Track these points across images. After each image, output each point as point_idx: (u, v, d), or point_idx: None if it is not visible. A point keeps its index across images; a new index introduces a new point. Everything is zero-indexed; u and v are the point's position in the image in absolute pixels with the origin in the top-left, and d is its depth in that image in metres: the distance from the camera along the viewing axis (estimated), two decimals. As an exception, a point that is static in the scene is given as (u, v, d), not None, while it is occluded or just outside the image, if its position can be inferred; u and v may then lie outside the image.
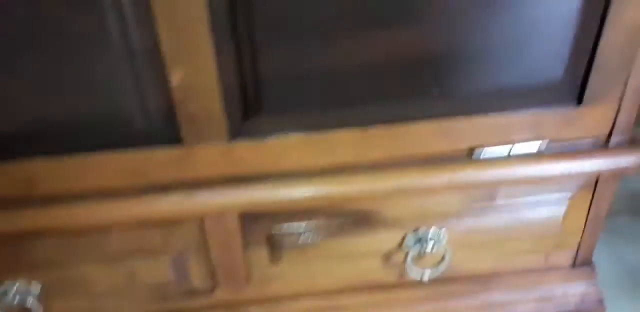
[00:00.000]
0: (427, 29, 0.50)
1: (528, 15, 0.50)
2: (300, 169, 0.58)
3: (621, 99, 0.58)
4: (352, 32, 0.49)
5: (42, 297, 0.61)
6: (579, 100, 0.57)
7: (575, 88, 0.57)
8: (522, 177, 0.61)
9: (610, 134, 0.60)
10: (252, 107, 0.53)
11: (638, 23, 0.52)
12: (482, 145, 0.59)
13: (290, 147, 0.57)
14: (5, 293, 0.60)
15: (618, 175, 0.64)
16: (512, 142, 0.59)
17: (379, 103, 0.55)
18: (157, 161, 0.55)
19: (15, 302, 0.60)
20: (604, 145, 0.61)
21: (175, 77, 0.49)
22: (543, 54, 0.53)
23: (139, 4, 0.45)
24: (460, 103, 0.57)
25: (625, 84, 0.57)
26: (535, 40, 0.52)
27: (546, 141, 0.59)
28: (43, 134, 0.52)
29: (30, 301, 0.60)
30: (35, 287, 0.61)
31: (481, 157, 0.60)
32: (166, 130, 0.53)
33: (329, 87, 0.53)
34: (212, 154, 0.56)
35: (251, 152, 0.56)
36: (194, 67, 0.49)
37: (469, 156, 0.60)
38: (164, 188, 0.56)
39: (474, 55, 0.53)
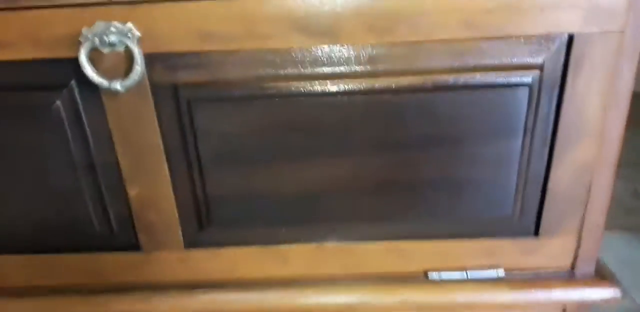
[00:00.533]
0: (373, 160, 0.53)
1: (474, 153, 0.52)
2: (254, 278, 0.60)
3: (581, 232, 0.57)
4: (295, 161, 0.52)
5: None
6: (536, 231, 0.57)
7: (531, 220, 0.57)
8: (479, 303, 0.60)
9: (574, 265, 0.59)
10: (205, 220, 0.56)
11: (585, 161, 0.52)
12: (437, 269, 0.59)
13: (244, 257, 0.59)
14: None
15: (586, 307, 0.61)
16: (468, 269, 0.59)
17: (332, 222, 0.57)
18: (116, 264, 0.58)
19: None
20: (568, 276, 0.60)
21: (132, 191, 0.53)
22: (492, 189, 0.54)
23: (100, 131, 0.51)
24: (414, 226, 0.57)
25: (583, 218, 0.56)
26: (484, 177, 0.53)
27: (501, 270, 0.58)
28: (12, 235, 0.57)
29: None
30: None
31: (438, 279, 0.59)
32: (125, 237, 0.57)
33: (276, 207, 0.55)
34: (169, 260, 0.58)
35: (206, 261, 0.59)
36: (151, 183, 0.53)
37: (424, 278, 0.60)
38: (122, 290, 0.59)
39: (422, 185, 0.54)
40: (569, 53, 0.47)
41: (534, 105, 0.49)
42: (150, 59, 0.47)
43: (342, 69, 0.49)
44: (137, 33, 0.46)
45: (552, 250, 0.58)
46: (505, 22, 0.46)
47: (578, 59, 0.47)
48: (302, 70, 0.49)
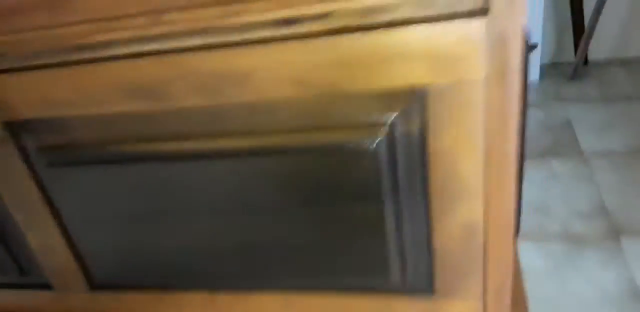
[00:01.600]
0: (235, 219, 0.50)
1: (338, 215, 0.48)
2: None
3: (485, 295, 0.50)
4: (157, 220, 0.52)
5: None
6: (431, 291, 0.51)
7: (422, 280, 0.51)
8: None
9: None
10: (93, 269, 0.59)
11: (472, 222, 0.46)
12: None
13: (142, 303, 0.60)
14: None
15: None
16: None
17: (221, 273, 0.56)
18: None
19: None
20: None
21: (33, 240, 0.57)
22: (366, 249, 0.49)
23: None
24: (305, 281, 0.54)
25: (485, 280, 0.49)
26: (354, 237, 0.49)
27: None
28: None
29: None
30: None
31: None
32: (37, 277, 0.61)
33: (154, 259, 0.56)
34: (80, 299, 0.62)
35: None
36: (45, 234, 0.56)
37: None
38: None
39: (295, 244, 0.51)
40: (424, 109, 0.41)
41: (389, 166, 0.44)
42: (11, 126, 0.49)
43: (183, 130, 0.47)
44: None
45: (455, 312, 0.52)
46: (343, 77, 0.41)
47: (435, 114, 0.41)
48: (146, 133, 0.48)
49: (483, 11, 0.36)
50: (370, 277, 0.52)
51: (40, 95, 0.47)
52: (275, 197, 0.48)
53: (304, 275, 0.54)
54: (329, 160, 0.44)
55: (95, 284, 0.60)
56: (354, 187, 0.45)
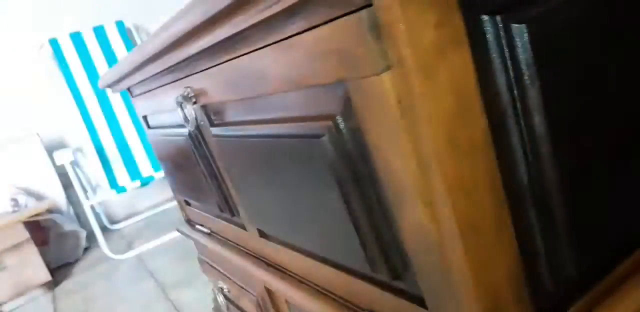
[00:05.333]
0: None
1: (308, 203, 0.50)
2: None
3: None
4: None
5: None
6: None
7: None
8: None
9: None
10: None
11: (418, 223, 0.42)
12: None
13: None
14: None
15: None
16: None
17: None
18: None
19: None
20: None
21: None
22: (341, 237, 0.50)
23: None
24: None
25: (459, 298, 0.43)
26: (328, 225, 0.50)
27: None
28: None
29: None
30: None
31: None
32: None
33: None
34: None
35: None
36: None
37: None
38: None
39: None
40: (351, 105, 0.41)
41: (338, 159, 0.44)
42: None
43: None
44: None
45: None
46: (300, 71, 0.45)
47: (360, 110, 0.41)
48: None
49: (368, 3, 0.35)
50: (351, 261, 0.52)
51: None
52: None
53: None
54: (294, 149, 0.49)
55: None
56: (313, 175, 0.48)
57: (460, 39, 0.35)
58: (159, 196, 3.00)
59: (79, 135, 2.68)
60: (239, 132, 0.63)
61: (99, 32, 2.64)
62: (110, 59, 2.63)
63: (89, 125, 2.54)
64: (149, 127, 1.15)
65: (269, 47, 0.48)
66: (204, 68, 0.67)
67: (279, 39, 0.47)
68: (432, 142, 0.37)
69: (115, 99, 2.60)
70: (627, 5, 0.43)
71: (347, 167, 0.45)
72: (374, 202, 0.46)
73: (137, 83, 1.00)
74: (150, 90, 0.98)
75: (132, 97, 1.15)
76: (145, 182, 2.44)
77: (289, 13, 0.44)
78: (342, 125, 0.44)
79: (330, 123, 0.44)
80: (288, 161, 0.53)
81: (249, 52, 0.53)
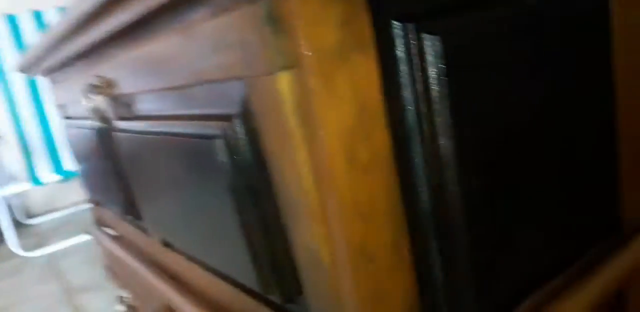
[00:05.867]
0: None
1: (204, 204, 0.46)
2: None
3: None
4: None
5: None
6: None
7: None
8: None
9: None
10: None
11: (309, 245, 0.38)
12: None
13: None
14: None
15: None
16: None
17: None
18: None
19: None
20: None
21: None
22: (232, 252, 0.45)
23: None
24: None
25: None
26: (222, 235, 0.45)
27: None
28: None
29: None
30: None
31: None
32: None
33: None
34: None
35: None
36: None
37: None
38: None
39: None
40: (248, 106, 0.37)
41: (232, 165, 0.40)
42: None
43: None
44: None
45: None
46: (202, 64, 0.40)
47: (256, 111, 0.36)
48: None
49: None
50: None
51: None
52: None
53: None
54: (190, 150, 0.44)
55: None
56: (206, 178, 0.43)
57: (367, 43, 0.32)
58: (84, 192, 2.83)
59: (1, 122, 2.50)
60: (143, 128, 0.57)
61: (37, 17, 2.48)
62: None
63: (13, 111, 2.37)
64: (65, 117, 1.06)
65: (172, 36, 0.43)
66: (113, 56, 0.61)
67: (181, 27, 0.42)
68: (328, 155, 0.33)
69: (45, 88, 2.45)
70: (545, 28, 0.41)
71: (241, 175, 0.41)
72: (270, 217, 0.42)
73: (51, 69, 0.92)
74: (65, 79, 0.90)
75: (52, 84, 1.06)
76: (67, 176, 2.30)
77: (191, 2, 0.39)
78: (239, 128, 0.39)
79: (226, 124, 0.39)
80: (184, 164, 0.48)
81: (154, 41, 0.48)
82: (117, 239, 1.01)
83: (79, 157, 1.02)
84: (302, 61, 0.31)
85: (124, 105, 0.65)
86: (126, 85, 0.59)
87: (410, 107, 0.35)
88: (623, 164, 0.51)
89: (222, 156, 0.40)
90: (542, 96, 0.41)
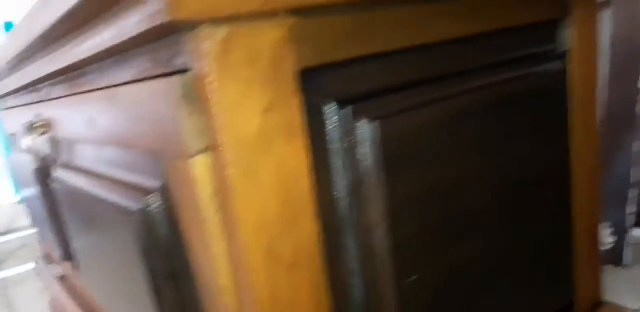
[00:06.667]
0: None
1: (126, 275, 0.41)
2: None
3: None
4: None
5: None
6: None
7: None
8: None
9: None
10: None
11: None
12: None
13: None
14: None
15: None
16: None
17: None
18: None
19: None
20: None
21: None
22: None
23: None
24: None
25: None
26: None
27: None
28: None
29: None
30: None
31: None
32: None
33: None
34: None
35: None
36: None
37: None
38: None
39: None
40: (165, 181, 0.33)
41: (150, 244, 0.36)
42: None
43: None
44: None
45: None
46: (123, 127, 0.36)
47: (174, 191, 0.32)
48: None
49: (185, 67, 0.28)
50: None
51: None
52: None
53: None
54: (112, 219, 0.39)
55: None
56: (128, 258, 0.39)
57: (295, 129, 0.28)
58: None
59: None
60: (73, 179, 0.52)
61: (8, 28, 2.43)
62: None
63: (-22, 127, 2.28)
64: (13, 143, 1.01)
65: (101, 90, 0.39)
66: (54, 96, 0.56)
67: (109, 84, 0.38)
68: (246, 249, 0.29)
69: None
70: (493, 108, 0.38)
71: (158, 257, 0.36)
72: (187, 304, 0.37)
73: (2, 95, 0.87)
74: (11, 105, 0.86)
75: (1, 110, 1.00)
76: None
77: (117, 57, 0.35)
78: (157, 204, 0.35)
79: (146, 198, 0.35)
80: (106, 228, 0.43)
81: (85, 90, 0.44)
82: (61, 279, 0.94)
83: (21, 186, 0.96)
84: (219, 149, 0.27)
85: (61, 148, 0.60)
86: (62, 130, 0.55)
87: (342, 196, 0.31)
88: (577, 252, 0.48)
89: (138, 233, 0.36)
90: (489, 181, 0.38)
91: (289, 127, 0.28)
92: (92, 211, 0.46)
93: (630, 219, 0.87)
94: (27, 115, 0.72)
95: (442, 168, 0.34)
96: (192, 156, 0.29)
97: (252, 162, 0.28)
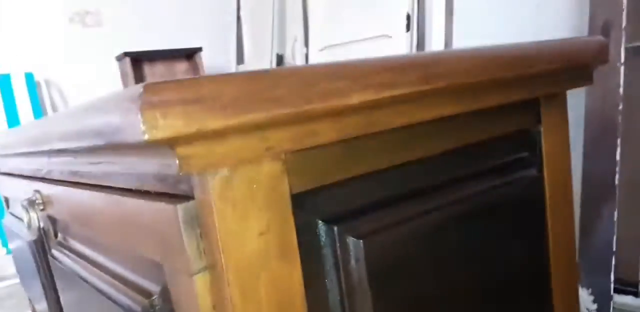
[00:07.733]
0: None
1: None
2: None
3: None
4: None
5: None
6: None
7: None
8: None
9: None
10: None
11: None
12: None
13: None
14: None
15: None
16: None
17: None
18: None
19: None
20: None
21: None
22: None
23: None
24: None
25: None
26: None
27: None
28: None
29: None
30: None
31: None
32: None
33: None
34: None
35: None
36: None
37: None
38: None
39: None
40: (166, 287, 0.35)
41: None
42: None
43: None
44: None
45: None
46: (125, 231, 0.38)
47: (175, 302, 0.34)
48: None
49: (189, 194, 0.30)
50: None
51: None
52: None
53: None
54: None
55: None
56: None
57: (289, 248, 0.31)
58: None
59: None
60: (76, 265, 0.53)
61: (4, 81, 2.49)
62: (10, 109, 2.46)
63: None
64: (8, 207, 1.02)
65: (105, 193, 0.42)
66: (55, 177, 0.58)
67: (112, 185, 0.40)
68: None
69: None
70: (476, 218, 0.41)
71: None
72: None
73: None
74: (8, 170, 0.87)
75: (-1, 173, 1.02)
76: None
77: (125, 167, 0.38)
78: (158, 308, 0.37)
79: (147, 301, 0.37)
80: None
81: (88, 184, 0.46)
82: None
83: (15, 253, 0.96)
84: (219, 269, 0.29)
85: (62, 229, 0.62)
86: (64, 211, 0.57)
87: (334, 307, 0.33)
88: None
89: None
90: (471, 286, 0.40)
91: (284, 246, 0.30)
92: (89, 298, 0.47)
93: (613, 286, 0.89)
94: (25, 187, 0.74)
95: (425, 277, 0.36)
96: (194, 274, 0.31)
97: (249, 280, 0.30)
